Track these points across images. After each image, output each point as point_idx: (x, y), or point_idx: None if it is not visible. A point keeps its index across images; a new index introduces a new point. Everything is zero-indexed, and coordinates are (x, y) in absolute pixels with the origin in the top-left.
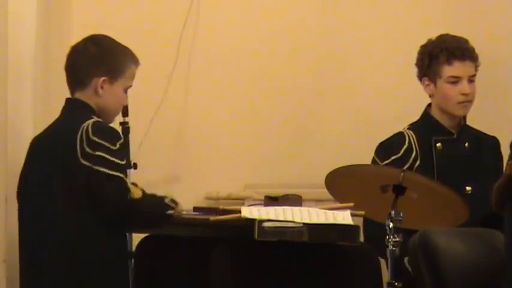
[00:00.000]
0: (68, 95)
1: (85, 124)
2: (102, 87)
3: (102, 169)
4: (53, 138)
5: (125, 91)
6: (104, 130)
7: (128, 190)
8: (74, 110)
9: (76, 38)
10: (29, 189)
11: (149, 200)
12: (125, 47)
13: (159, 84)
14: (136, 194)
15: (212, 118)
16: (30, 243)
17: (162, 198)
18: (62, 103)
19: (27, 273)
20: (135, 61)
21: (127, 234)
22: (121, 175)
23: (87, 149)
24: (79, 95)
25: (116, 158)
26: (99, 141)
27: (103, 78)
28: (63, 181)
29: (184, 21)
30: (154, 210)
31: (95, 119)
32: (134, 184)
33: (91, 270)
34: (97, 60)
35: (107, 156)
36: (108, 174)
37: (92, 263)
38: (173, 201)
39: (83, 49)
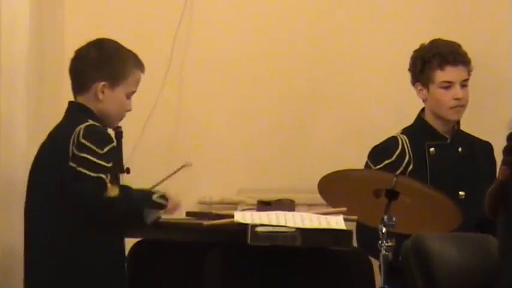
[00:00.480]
0: (61, 100)
1: (78, 128)
2: (102, 92)
3: (83, 170)
4: (51, 142)
5: (128, 97)
6: (94, 133)
7: (104, 190)
8: (73, 114)
9: (69, 42)
10: (31, 190)
11: (127, 196)
12: (129, 52)
13: (153, 89)
14: (113, 192)
15: (205, 123)
16: (29, 244)
17: (149, 193)
18: (55, 108)
19: (26, 272)
20: (139, 66)
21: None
22: (102, 176)
23: (75, 151)
24: (80, 99)
25: (99, 160)
26: (87, 143)
27: (103, 83)
28: (59, 184)
29: (177, 25)
30: (134, 206)
31: (90, 122)
32: (112, 183)
33: (82, 272)
34: (97, 64)
35: (91, 158)
36: (89, 176)
37: (84, 265)
38: (163, 197)
39: (85, 53)
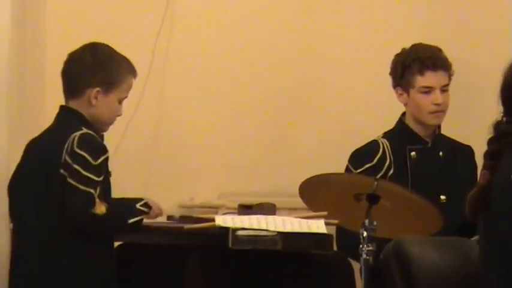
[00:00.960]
0: (43, 104)
1: (73, 136)
2: (96, 98)
3: (73, 182)
4: (42, 147)
5: (120, 102)
6: (89, 143)
7: (92, 205)
8: (65, 119)
9: (51, 45)
10: (16, 192)
11: (113, 215)
12: (123, 57)
13: (134, 91)
14: (99, 210)
15: (187, 126)
16: (17, 245)
17: (133, 204)
18: (37, 113)
19: (12, 276)
20: (132, 72)
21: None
22: (90, 190)
23: (68, 159)
24: (72, 104)
25: (91, 174)
26: (82, 152)
27: (97, 89)
28: (47, 187)
29: (159, 27)
30: (117, 224)
31: (84, 130)
32: (100, 198)
33: (69, 277)
34: (92, 70)
35: (82, 171)
36: (78, 188)
37: (69, 270)
38: (146, 205)
39: (80, 57)
